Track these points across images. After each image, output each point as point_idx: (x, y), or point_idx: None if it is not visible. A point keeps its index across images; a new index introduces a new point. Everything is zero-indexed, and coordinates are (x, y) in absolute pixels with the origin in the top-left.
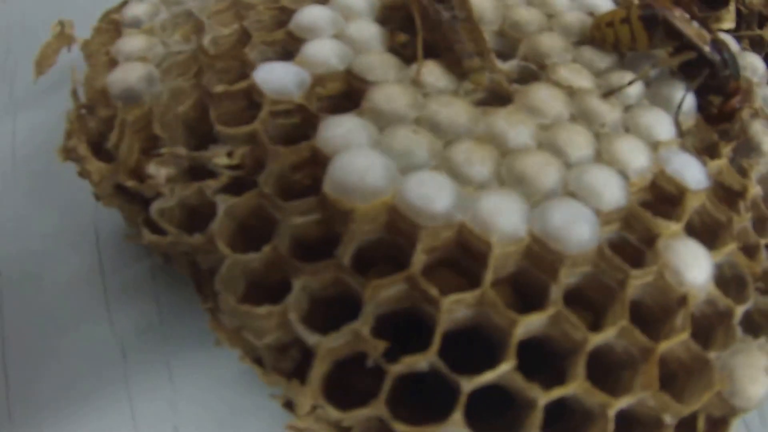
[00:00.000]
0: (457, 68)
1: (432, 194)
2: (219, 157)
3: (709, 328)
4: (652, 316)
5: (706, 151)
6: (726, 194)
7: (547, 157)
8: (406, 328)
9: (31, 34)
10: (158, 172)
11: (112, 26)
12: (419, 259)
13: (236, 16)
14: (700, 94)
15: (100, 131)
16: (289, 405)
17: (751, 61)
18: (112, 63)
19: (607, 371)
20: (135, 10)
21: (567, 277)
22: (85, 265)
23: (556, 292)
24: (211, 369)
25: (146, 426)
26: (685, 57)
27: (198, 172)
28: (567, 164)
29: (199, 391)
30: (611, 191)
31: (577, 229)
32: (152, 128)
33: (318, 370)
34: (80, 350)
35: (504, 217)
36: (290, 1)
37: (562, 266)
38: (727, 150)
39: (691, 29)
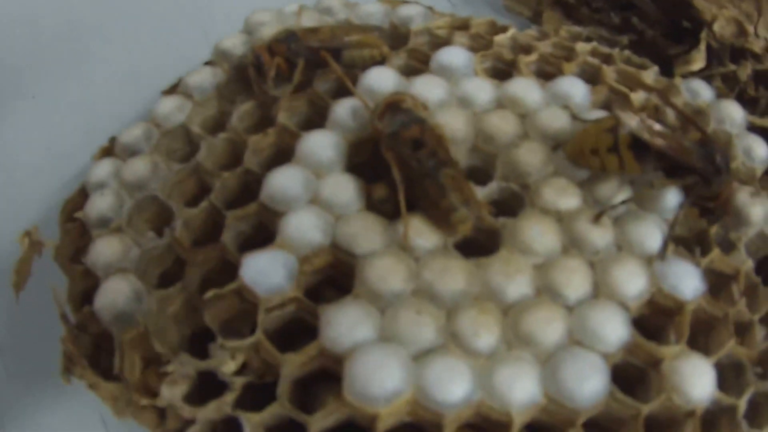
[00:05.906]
0: (445, 223)
1: (451, 386)
2: (225, 365)
3: (712, 421)
4: (658, 422)
5: (695, 240)
6: (719, 280)
7: (549, 310)
8: None
9: None
10: (172, 393)
11: (78, 225)
12: None
13: (198, 183)
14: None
15: (95, 344)
16: None
17: (728, 112)
18: (89, 274)
19: None
20: (100, 206)
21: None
22: None
23: None
24: None
25: None
26: (685, 182)
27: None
28: (566, 306)
29: None
30: (615, 331)
31: (590, 384)
32: (150, 343)
33: None
34: None
35: (520, 388)
36: (252, 158)
37: (579, 417)
38: (714, 231)
39: (683, 148)
